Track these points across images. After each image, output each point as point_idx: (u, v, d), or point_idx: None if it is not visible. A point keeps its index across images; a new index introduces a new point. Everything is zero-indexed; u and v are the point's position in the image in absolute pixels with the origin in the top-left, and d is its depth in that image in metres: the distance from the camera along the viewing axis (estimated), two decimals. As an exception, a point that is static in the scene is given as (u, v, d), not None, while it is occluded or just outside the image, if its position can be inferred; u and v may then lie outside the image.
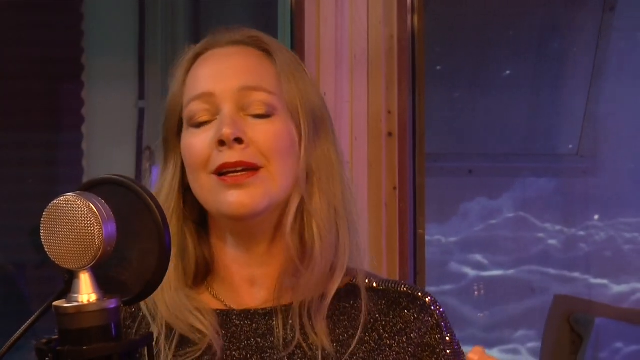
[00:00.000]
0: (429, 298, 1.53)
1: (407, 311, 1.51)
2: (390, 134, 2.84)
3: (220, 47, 1.52)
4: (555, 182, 4.48)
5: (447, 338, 1.51)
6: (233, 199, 1.43)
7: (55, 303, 1.09)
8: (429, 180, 2.94)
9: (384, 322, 1.50)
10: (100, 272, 1.09)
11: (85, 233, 1.06)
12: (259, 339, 1.47)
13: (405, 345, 1.49)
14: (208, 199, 1.45)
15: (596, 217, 4.47)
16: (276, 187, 1.45)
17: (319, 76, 2.82)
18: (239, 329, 1.48)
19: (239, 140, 1.43)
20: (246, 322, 1.48)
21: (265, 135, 1.45)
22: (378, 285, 1.53)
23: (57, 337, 1.10)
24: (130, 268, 1.13)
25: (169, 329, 1.47)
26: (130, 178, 1.17)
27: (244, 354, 1.46)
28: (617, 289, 4.44)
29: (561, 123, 4.39)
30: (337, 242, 1.49)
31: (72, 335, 1.08)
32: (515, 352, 4.36)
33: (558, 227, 4.44)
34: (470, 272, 4.35)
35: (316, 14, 2.84)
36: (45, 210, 1.08)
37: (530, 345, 4.38)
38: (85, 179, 3.24)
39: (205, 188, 1.45)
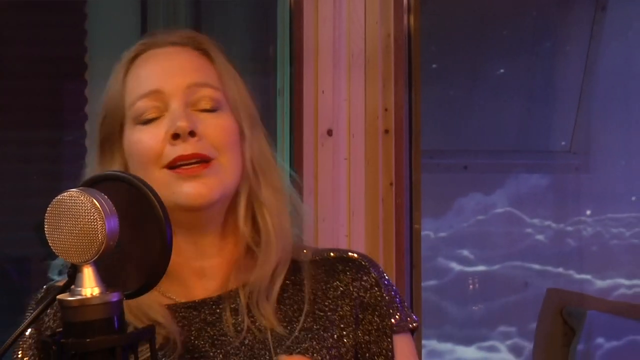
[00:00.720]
0: (364, 259, 1.56)
1: (344, 275, 1.53)
2: (386, 131, 2.86)
3: (159, 48, 1.55)
4: (548, 178, 4.45)
5: (386, 295, 1.53)
6: (190, 190, 1.45)
7: (59, 296, 1.11)
8: (425, 177, 2.96)
9: (324, 290, 1.52)
10: (103, 266, 1.11)
11: (89, 228, 1.08)
12: (208, 328, 1.48)
13: (348, 308, 1.51)
14: (162, 192, 1.40)
15: (588, 212, 4.46)
16: (228, 178, 1.48)
17: (317, 75, 2.84)
18: (187, 321, 1.48)
19: (192, 134, 1.46)
20: (193, 312, 1.49)
21: (215, 128, 1.49)
22: (314, 256, 1.55)
23: (61, 329, 1.12)
24: (132, 262, 1.15)
25: None
26: (132, 174, 1.21)
27: (196, 343, 1.46)
28: (601, 284, 4.39)
29: (554, 120, 4.38)
30: (286, 226, 1.53)
31: (75, 327, 1.10)
32: (493, 349, 4.26)
33: (547, 223, 4.40)
34: (456, 267, 4.30)
35: (314, 14, 2.86)
36: (50, 205, 1.10)
37: (509, 342, 4.29)
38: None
39: (159, 182, 1.44)
